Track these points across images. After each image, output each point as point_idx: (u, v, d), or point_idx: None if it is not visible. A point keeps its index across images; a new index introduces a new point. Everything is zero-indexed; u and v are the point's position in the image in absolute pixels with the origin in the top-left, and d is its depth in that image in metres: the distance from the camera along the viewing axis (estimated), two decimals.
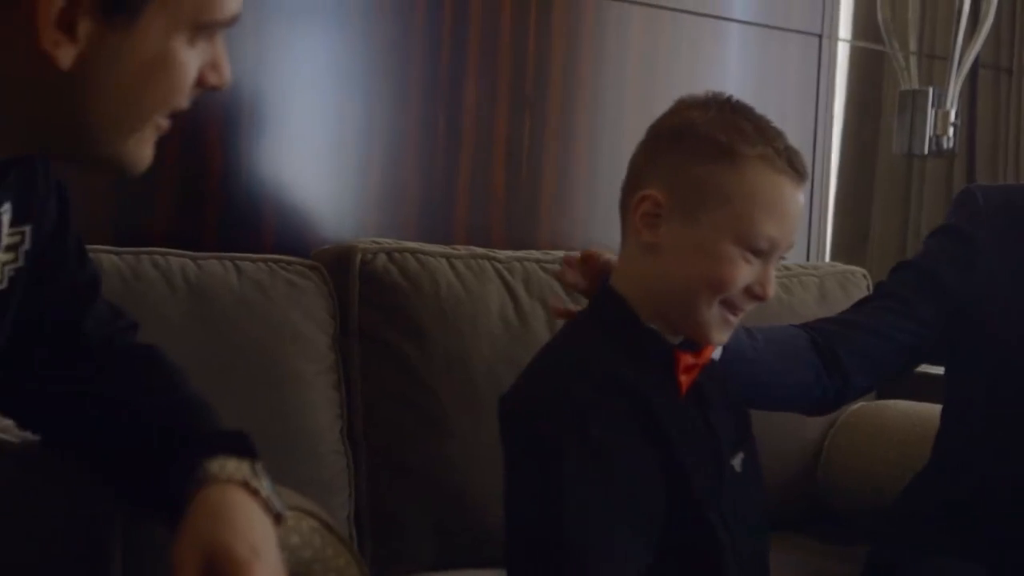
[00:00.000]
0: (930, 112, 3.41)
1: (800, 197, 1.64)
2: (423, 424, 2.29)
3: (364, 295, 2.31)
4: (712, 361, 1.72)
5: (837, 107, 3.75)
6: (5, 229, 1.28)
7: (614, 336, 1.64)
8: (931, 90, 3.42)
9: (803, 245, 3.40)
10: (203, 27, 1.20)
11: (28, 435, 1.47)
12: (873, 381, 2.10)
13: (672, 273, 1.62)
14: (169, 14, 1.16)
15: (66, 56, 1.13)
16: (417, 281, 2.32)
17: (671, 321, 1.64)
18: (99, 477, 1.40)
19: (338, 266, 2.34)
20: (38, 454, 1.46)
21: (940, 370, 2.27)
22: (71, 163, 1.29)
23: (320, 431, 2.24)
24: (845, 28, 3.74)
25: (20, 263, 1.32)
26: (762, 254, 1.61)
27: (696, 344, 1.66)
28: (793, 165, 1.62)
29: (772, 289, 1.63)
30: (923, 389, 2.65)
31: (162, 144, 1.26)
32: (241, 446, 1.37)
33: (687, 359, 1.65)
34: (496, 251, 2.49)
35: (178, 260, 2.21)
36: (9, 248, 1.30)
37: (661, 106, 1.68)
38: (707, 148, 1.60)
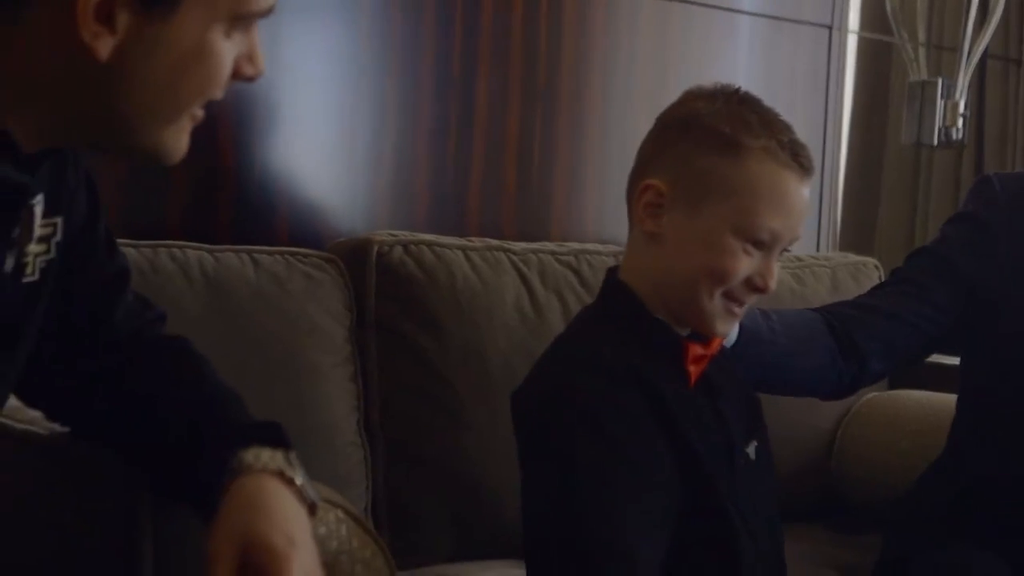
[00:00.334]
0: (939, 103, 3.41)
1: (805, 190, 1.63)
2: (439, 416, 2.30)
3: (380, 287, 2.32)
4: (722, 350, 1.73)
5: (846, 98, 3.75)
6: (38, 220, 1.28)
7: (623, 328, 1.64)
8: (940, 81, 3.43)
9: (813, 236, 3.40)
10: (240, 18, 1.21)
11: (56, 427, 1.47)
12: (889, 366, 2.10)
13: (674, 264, 1.62)
14: (207, 5, 1.18)
15: (105, 47, 1.14)
16: (433, 273, 2.33)
17: (676, 312, 1.64)
18: (131, 469, 1.40)
19: (354, 259, 2.34)
20: (66, 446, 1.46)
21: (954, 360, 2.28)
22: (107, 153, 1.30)
23: (337, 423, 2.25)
24: (854, 19, 3.74)
25: (52, 255, 1.33)
26: (764, 246, 1.61)
27: (704, 335, 1.67)
28: (798, 158, 1.62)
29: (774, 282, 1.63)
30: (936, 379, 2.66)
31: None
32: (275, 436, 1.37)
33: (696, 350, 1.65)
34: (511, 243, 2.49)
35: (195, 253, 2.21)
36: (41, 239, 1.30)
37: (671, 98, 1.69)
38: (711, 139, 1.60)
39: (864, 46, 3.84)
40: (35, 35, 1.15)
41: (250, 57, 1.24)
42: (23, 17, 1.15)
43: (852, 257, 3.03)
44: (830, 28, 3.44)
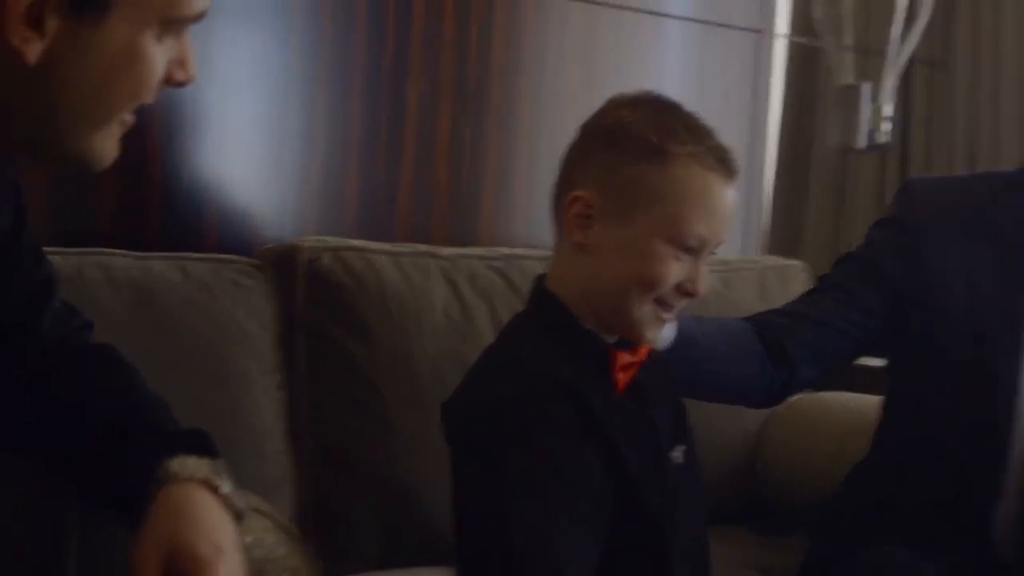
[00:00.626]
0: (865, 107, 3.45)
1: (731, 194, 1.65)
2: (368, 422, 2.30)
3: (309, 294, 2.31)
4: (650, 356, 1.74)
5: (774, 102, 3.78)
6: None
7: (551, 338, 1.65)
8: (867, 85, 3.46)
9: (739, 239, 3.43)
10: (171, 23, 1.21)
11: None
12: (819, 372, 2.12)
13: (605, 273, 1.63)
14: (138, 10, 1.17)
15: (33, 52, 1.14)
16: (362, 279, 2.32)
17: (605, 320, 1.65)
18: (58, 477, 1.39)
19: (283, 265, 2.34)
20: None
21: (878, 362, 2.31)
22: (36, 160, 1.29)
23: (265, 430, 2.24)
24: (783, 24, 3.77)
25: None
26: (692, 251, 1.63)
27: (632, 342, 1.68)
28: (723, 163, 1.63)
29: (703, 286, 1.65)
30: (860, 381, 2.69)
31: None
32: (201, 444, 1.37)
33: (624, 357, 1.66)
34: (440, 248, 2.49)
35: (122, 260, 2.20)
36: None
37: (601, 103, 1.70)
38: (638, 148, 1.61)
39: (792, 50, 3.87)
40: None
41: (181, 62, 1.24)
42: None
43: (779, 260, 3.05)
44: (758, 32, 3.47)
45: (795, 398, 2.78)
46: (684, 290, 1.63)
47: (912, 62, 3.62)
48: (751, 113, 3.47)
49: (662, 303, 1.63)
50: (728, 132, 1.67)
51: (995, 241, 2.12)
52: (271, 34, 2.58)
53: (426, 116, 2.81)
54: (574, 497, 1.56)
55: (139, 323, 2.14)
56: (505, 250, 2.58)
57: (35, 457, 1.41)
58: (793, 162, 3.93)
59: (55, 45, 1.14)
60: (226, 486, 1.35)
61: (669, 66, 3.29)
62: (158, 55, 1.21)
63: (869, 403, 2.39)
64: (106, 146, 1.24)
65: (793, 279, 2.93)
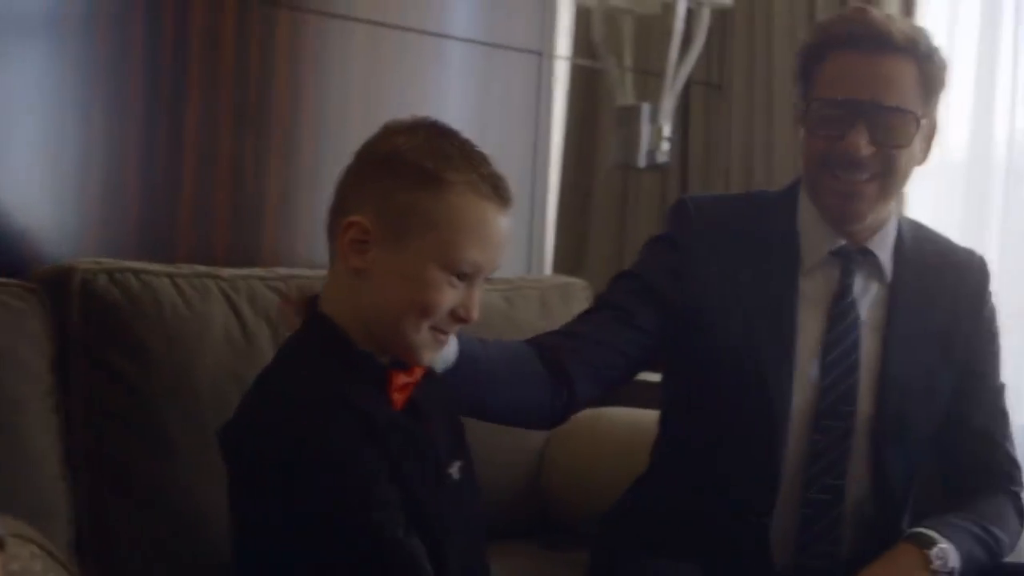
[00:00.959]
0: (645, 127, 3.52)
1: (504, 222, 1.68)
2: (146, 445, 2.26)
3: (85, 316, 2.26)
4: (427, 374, 1.76)
5: (557, 122, 3.83)
6: None
7: (327, 358, 1.66)
8: (646, 106, 3.53)
9: (524, 258, 3.46)
10: None
11: None
12: (600, 390, 2.15)
13: (380, 298, 1.65)
14: None
15: None
16: (139, 301, 2.29)
17: (381, 343, 1.67)
18: None
19: (57, 287, 2.28)
20: None
21: (657, 377, 2.35)
22: None
23: (39, 455, 2.18)
24: (564, 45, 3.82)
25: None
26: (466, 278, 1.66)
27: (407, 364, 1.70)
28: (498, 191, 1.66)
29: (476, 312, 1.68)
30: (640, 396, 2.73)
31: None
32: None
33: (400, 378, 1.68)
34: (220, 269, 2.47)
35: None
36: None
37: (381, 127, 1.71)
38: (413, 175, 1.64)
39: (574, 72, 3.93)
40: None
41: None
42: None
43: (561, 279, 3.09)
44: (539, 55, 3.51)
45: (577, 414, 2.82)
46: (458, 316, 1.67)
47: (689, 83, 3.71)
48: (534, 133, 3.50)
49: (437, 328, 1.66)
50: (511, 152, 1.69)
51: (764, 257, 2.18)
52: (45, 52, 2.52)
53: (206, 136, 2.78)
54: (369, 490, 1.57)
55: None
56: (284, 270, 2.56)
57: None
58: (576, 181, 3.99)
59: None
60: None
61: (452, 87, 3.31)
62: None
63: (649, 417, 2.43)
64: None
65: (575, 297, 2.97)
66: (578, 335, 2.15)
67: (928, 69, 2.11)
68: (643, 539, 2.21)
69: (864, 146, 2.07)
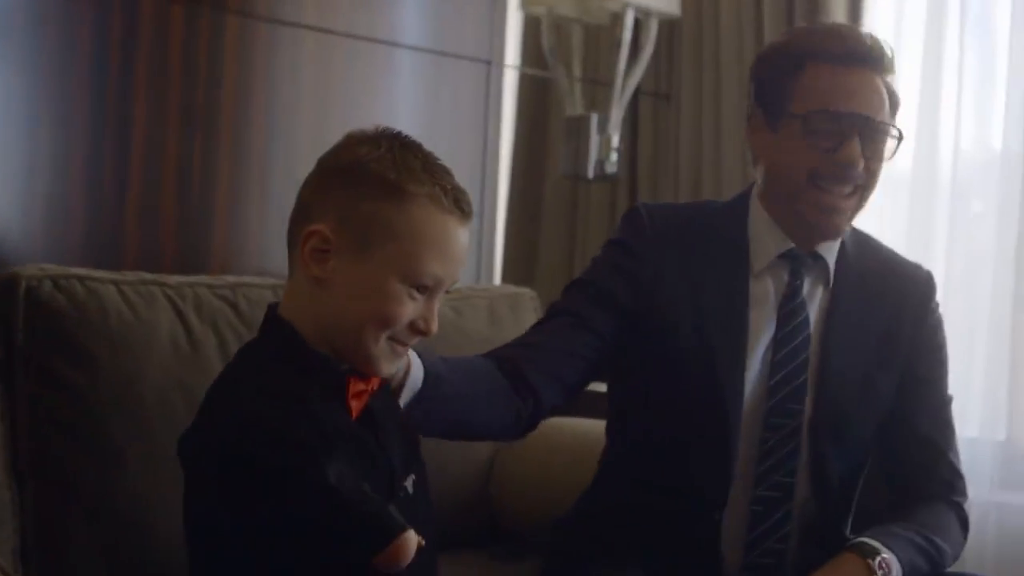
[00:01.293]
0: (594, 137, 3.53)
1: (465, 235, 1.69)
2: (92, 453, 2.24)
3: (29, 323, 2.24)
4: (383, 385, 1.75)
5: (507, 132, 3.84)
6: None
7: (285, 363, 1.66)
8: (594, 116, 3.55)
9: (473, 267, 3.47)
10: None
11: None
12: (564, 397, 2.16)
13: (340, 308, 1.65)
14: None
15: None
16: (84, 308, 2.27)
17: (339, 351, 1.67)
18: None
19: (2, 294, 2.26)
20: None
21: (603, 387, 2.36)
22: None
23: None
24: (513, 55, 3.83)
25: None
26: (426, 290, 1.66)
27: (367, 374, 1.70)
28: (459, 204, 1.67)
29: (435, 325, 1.68)
30: (587, 406, 2.74)
31: None
32: None
33: (357, 385, 1.68)
34: (166, 276, 2.45)
35: None
36: None
37: (335, 131, 1.71)
38: (376, 186, 1.64)
39: (524, 81, 3.94)
40: None
41: None
42: None
43: (510, 288, 3.09)
44: (488, 63, 3.52)
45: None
46: (417, 328, 1.67)
47: (638, 93, 3.72)
48: (483, 142, 3.51)
49: (394, 339, 1.66)
50: (460, 161, 1.70)
51: (715, 261, 2.21)
52: None
53: (153, 142, 2.77)
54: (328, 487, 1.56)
55: None
56: (232, 278, 2.55)
57: None
58: (526, 191, 3.99)
59: None
60: None
61: (402, 95, 3.31)
62: None
63: (597, 427, 2.44)
64: None
65: (524, 307, 2.97)
66: (535, 345, 2.16)
67: (893, 85, 2.16)
68: (594, 546, 2.21)
69: (859, 159, 2.10)
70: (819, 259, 2.22)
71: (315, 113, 3.06)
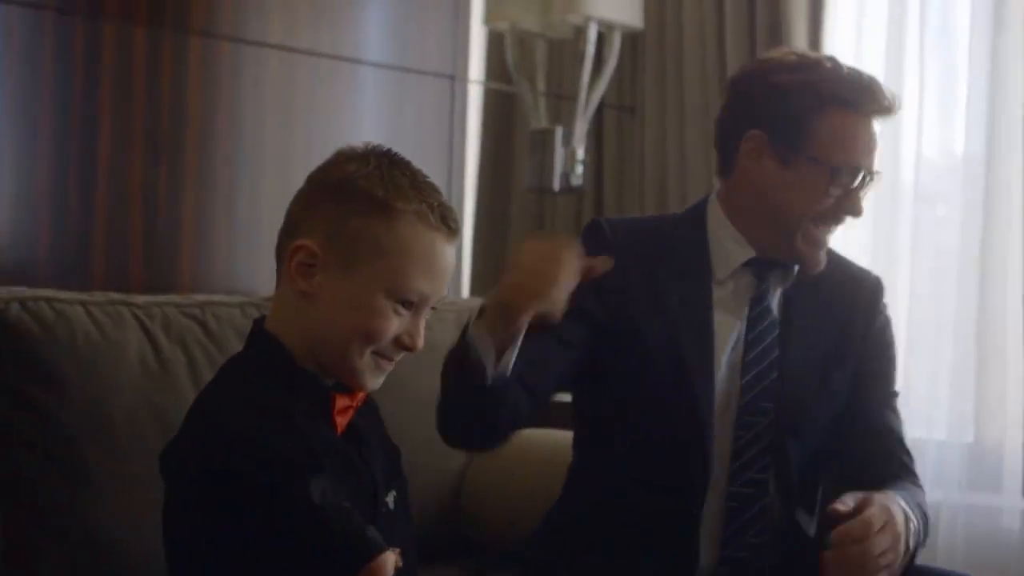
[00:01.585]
0: (559, 150, 3.54)
1: (451, 252, 1.71)
2: (63, 474, 2.23)
3: None
4: (367, 402, 1.77)
5: (472, 146, 3.85)
6: None
7: (271, 377, 1.67)
8: (559, 129, 3.56)
9: None
10: None
11: None
12: (535, 406, 2.16)
13: (325, 322, 1.66)
14: None
15: None
16: (52, 329, 2.27)
17: (325, 366, 1.68)
18: None
19: None
20: None
21: (570, 397, 2.37)
22: None
23: None
24: (477, 70, 3.84)
25: None
26: (412, 306, 1.67)
27: (350, 387, 1.71)
28: (446, 221, 1.69)
29: (421, 341, 1.70)
30: (557, 417, 2.75)
31: None
32: None
33: (343, 401, 1.69)
34: (134, 296, 2.45)
35: None
36: None
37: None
38: (364, 202, 1.66)
39: (489, 96, 3.95)
40: None
41: None
42: None
43: (478, 301, 3.05)
44: (452, 78, 3.53)
45: None
46: (402, 344, 1.68)
47: (602, 107, 3.74)
48: (448, 157, 3.52)
49: (381, 354, 1.67)
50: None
51: (677, 269, 2.24)
52: None
53: (119, 163, 2.77)
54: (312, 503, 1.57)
55: None
56: (201, 297, 2.55)
57: None
58: (492, 204, 4.00)
59: None
60: None
61: (366, 112, 3.32)
62: None
63: (566, 438, 2.44)
64: None
65: None
66: None
67: None
68: (567, 556, 2.22)
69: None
70: (781, 264, 2.26)
71: (280, 131, 3.07)
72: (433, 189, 1.71)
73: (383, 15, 3.37)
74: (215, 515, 1.58)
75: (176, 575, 1.68)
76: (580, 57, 3.55)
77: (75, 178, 2.68)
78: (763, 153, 2.22)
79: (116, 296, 2.41)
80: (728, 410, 2.21)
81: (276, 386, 1.66)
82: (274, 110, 3.08)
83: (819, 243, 2.23)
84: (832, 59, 2.26)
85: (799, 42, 3.37)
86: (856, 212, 2.22)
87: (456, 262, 3.55)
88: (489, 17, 3.63)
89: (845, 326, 2.31)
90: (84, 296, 2.38)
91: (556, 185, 3.58)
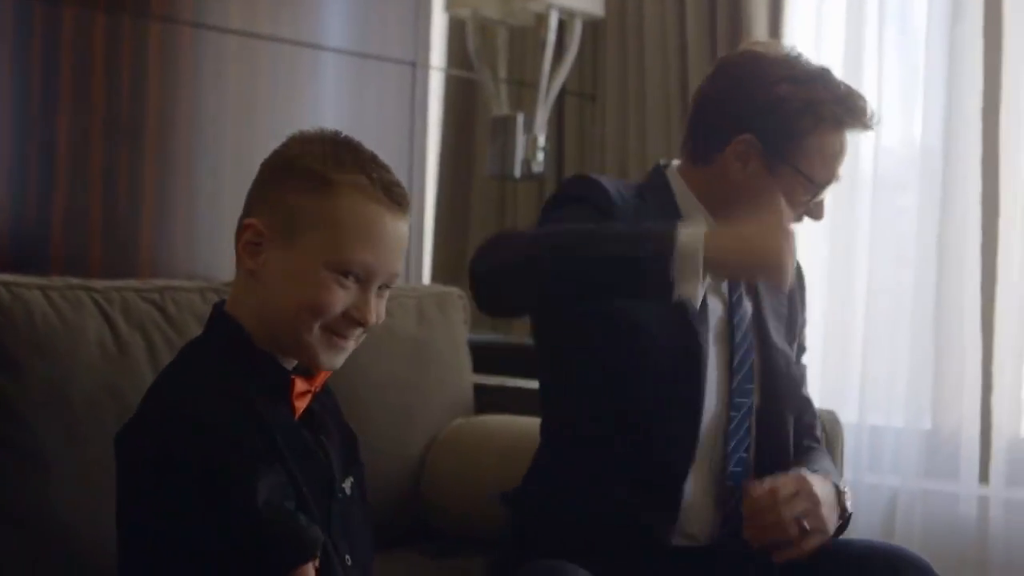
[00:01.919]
0: (520, 137, 3.55)
1: (398, 225, 1.70)
2: (20, 460, 2.21)
3: None
4: (325, 388, 1.77)
5: (433, 133, 3.85)
6: None
7: (229, 360, 1.67)
8: (520, 116, 3.57)
9: (402, 267, 3.46)
10: None
11: None
12: None
13: (273, 299, 1.67)
14: None
15: None
16: (10, 314, 2.25)
17: (281, 345, 1.68)
18: None
19: None
20: None
21: (534, 384, 2.37)
22: None
23: None
24: (439, 56, 3.84)
25: None
26: (359, 280, 1.67)
27: (310, 370, 1.70)
28: (389, 193, 1.68)
29: (373, 316, 1.69)
30: (519, 403, 2.76)
31: None
32: None
33: (301, 385, 1.69)
34: (93, 281, 2.44)
35: None
36: None
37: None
38: (304, 177, 1.67)
39: (450, 83, 3.95)
40: None
41: None
42: None
43: (438, 288, 3.09)
44: (413, 65, 3.53)
45: (456, 422, 2.83)
46: (352, 318, 1.67)
47: (563, 94, 3.75)
48: (409, 143, 3.53)
49: (332, 330, 1.67)
50: (387, 163, 1.71)
51: None
52: None
53: (78, 148, 2.76)
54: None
55: None
56: (160, 282, 2.54)
57: None
58: (453, 191, 4.01)
59: None
60: None
61: (327, 98, 3.32)
62: None
63: (530, 424, 2.45)
64: None
65: (452, 306, 2.98)
66: None
67: None
68: (534, 540, 2.21)
69: None
70: None
71: (240, 116, 3.06)
72: (379, 165, 1.70)
73: (344, 1, 3.37)
74: (162, 500, 1.58)
75: (125, 558, 1.67)
76: (541, 44, 3.56)
77: (34, 162, 2.67)
78: (751, 158, 2.22)
79: (75, 281, 2.40)
80: (720, 391, 2.21)
81: (235, 369, 1.66)
82: (235, 95, 3.07)
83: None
84: (826, 71, 2.26)
85: (759, 31, 3.39)
86: (820, 217, 2.31)
87: (417, 248, 3.60)
88: (450, 4, 3.64)
89: (790, 305, 2.36)
90: (43, 280, 2.36)
91: (517, 172, 3.58)
